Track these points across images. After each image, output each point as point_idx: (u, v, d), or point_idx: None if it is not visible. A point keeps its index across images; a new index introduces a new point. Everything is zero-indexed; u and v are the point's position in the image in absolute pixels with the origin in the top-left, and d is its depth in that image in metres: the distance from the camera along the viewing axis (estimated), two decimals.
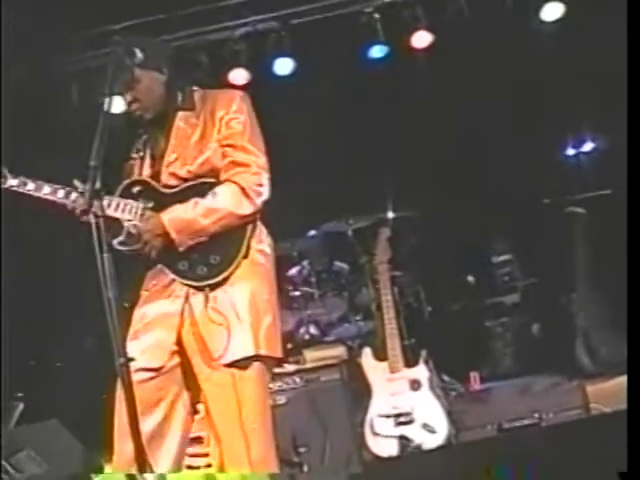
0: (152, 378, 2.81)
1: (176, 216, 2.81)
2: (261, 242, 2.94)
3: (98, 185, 2.40)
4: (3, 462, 3.24)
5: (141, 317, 2.85)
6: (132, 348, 2.54)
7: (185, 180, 2.92)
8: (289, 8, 5.64)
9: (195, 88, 3.05)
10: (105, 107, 2.50)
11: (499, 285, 6.18)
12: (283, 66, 5.84)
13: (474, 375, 4.98)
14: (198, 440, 3.69)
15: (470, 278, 6.38)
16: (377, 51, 5.80)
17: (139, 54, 2.80)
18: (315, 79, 5.90)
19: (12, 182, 2.88)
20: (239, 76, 5.82)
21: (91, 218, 2.38)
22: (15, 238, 5.23)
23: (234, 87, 5.68)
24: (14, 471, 3.25)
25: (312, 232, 6.05)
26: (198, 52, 5.67)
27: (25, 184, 2.88)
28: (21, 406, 4.56)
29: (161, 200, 2.88)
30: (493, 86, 5.99)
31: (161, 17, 5.41)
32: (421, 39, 5.69)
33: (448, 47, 5.76)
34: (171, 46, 3.54)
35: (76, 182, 2.83)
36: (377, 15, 5.63)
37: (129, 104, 2.95)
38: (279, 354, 2.91)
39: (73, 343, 5.75)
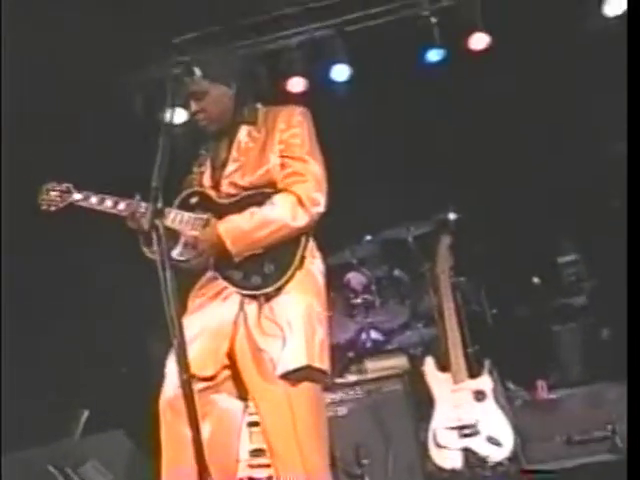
0: (203, 390, 2.80)
1: (232, 226, 2.82)
2: (314, 257, 2.96)
3: (160, 205, 2.42)
4: (70, 473, 3.30)
5: (191, 325, 2.81)
6: None
7: (244, 189, 2.94)
8: (344, 15, 5.63)
9: (258, 105, 3.09)
10: (165, 129, 2.52)
11: (565, 286, 6.00)
12: (340, 73, 5.84)
13: (541, 383, 4.82)
14: (260, 452, 3.70)
15: (535, 279, 6.24)
16: (434, 55, 5.74)
17: (198, 72, 2.91)
18: (372, 85, 5.87)
19: (76, 196, 2.96)
20: (297, 84, 5.86)
21: (153, 236, 2.40)
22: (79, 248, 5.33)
23: (292, 95, 5.77)
24: None
25: (371, 238, 6.02)
26: (256, 62, 5.70)
27: (88, 198, 2.95)
28: (86, 413, 4.61)
29: (218, 211, 2.91)
30: (554, 86, 5.85)
31: (218, 28, 5.46)
32: (478, 41, 5.60)
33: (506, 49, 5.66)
34: (239, 59, 3.53)
35: (137, 198, 2.85)
36: (433, 19, 5.58)
37: (194, 114, 2.99)
38: (329, 370, 2.88)
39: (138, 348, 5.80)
